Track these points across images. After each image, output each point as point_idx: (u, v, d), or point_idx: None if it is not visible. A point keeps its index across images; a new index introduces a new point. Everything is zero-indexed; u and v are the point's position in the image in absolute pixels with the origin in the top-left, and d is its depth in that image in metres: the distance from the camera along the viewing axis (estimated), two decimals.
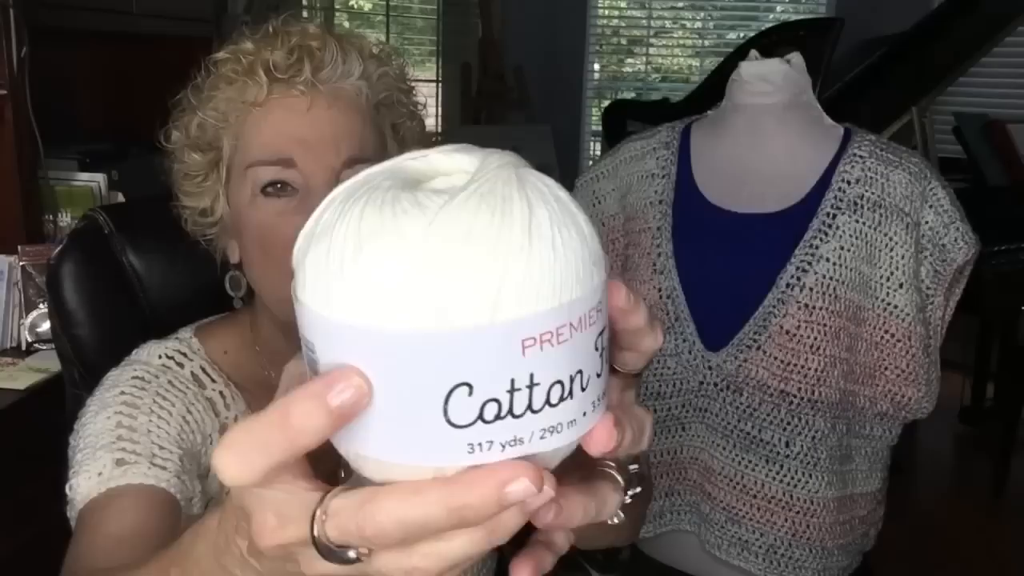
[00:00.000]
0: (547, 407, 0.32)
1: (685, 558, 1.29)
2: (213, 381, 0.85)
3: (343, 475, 0.39)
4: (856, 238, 1.16)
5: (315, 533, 0.33)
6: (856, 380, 1.20)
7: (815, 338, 1.16)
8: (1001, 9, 2.79)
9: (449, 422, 0.31)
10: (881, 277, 1.17)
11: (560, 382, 0.32)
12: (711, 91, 2.52)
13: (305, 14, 3.82)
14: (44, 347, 1.65)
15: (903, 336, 1.17)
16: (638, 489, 0.43)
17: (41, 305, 1.67)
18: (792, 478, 1.19)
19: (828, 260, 1.16)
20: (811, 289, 1.16)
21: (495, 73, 4.22)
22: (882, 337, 1.18)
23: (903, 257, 1.17)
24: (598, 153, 4.56)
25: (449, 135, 4.27)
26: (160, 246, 1.00)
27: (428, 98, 4.40)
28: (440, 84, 4.48)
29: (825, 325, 1.16)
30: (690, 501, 1.27)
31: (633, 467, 0.43)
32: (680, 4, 4.63)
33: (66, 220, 1.89)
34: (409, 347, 0.31)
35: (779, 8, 4.48)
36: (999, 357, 3.25)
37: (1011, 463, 2.96)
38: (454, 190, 0.33)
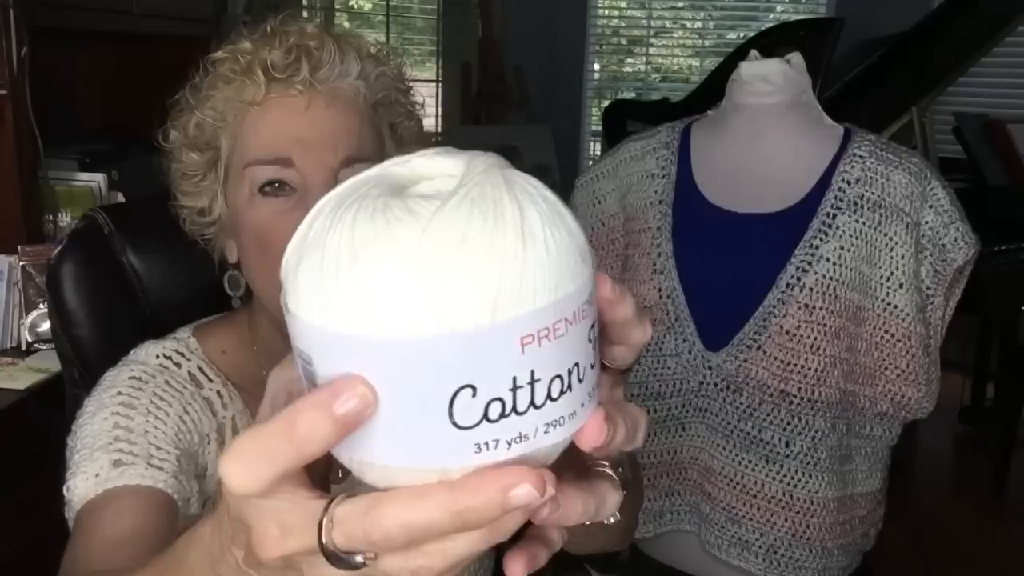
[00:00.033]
0: (548, 402, 0.33)
1: (685, 558, 1.29)
2: (210, 381, 0.85)
3: (340, 476, 0.38)
4: (856, 238, 1.16)
5: (323, 541, 0.33)
6: (856, 380, 1.20)
7: (815, 338, 1.16)
8: (1001, 9, 2.79)
9: (455, 424, 0.32)
10: (881, 277, 1.17)
11: (559, 376, 0.33)
12: (711, 91, 2.52)
13: (305, 14, 3.82)
14: (44, 347, 1.65)
15: (903, 336, 1.17)
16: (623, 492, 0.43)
17: (41, 305, 1.67)
18: (792, 478, 1.19)
19: (828, 260, 1.16)
20: (811, 289, 1.16)
21: (495, 73, 4.22)
22: (882, 337, 1.18)
23: (903, 257, 1.17)
24: (598, 153, 4.56)
25: (449, 135, 4.27)
26: (160, 246, 1.00)
27: (428, 98, 4.41)
28: (440, 84, 4.48)
29: (825, 325, 1.16)
30: (690, 501, 1.27)
31: (619, 471, 0.43)
32: (680, 4, 4.63)
33: (66, 220, 1.88)
34: (411, 354, 0.31)
35: (779, 8, 4.48)
36: (999, 357, 3.25)
37: (1011, 463, 2.96)
38: (444, 195, 0.33)
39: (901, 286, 1.17)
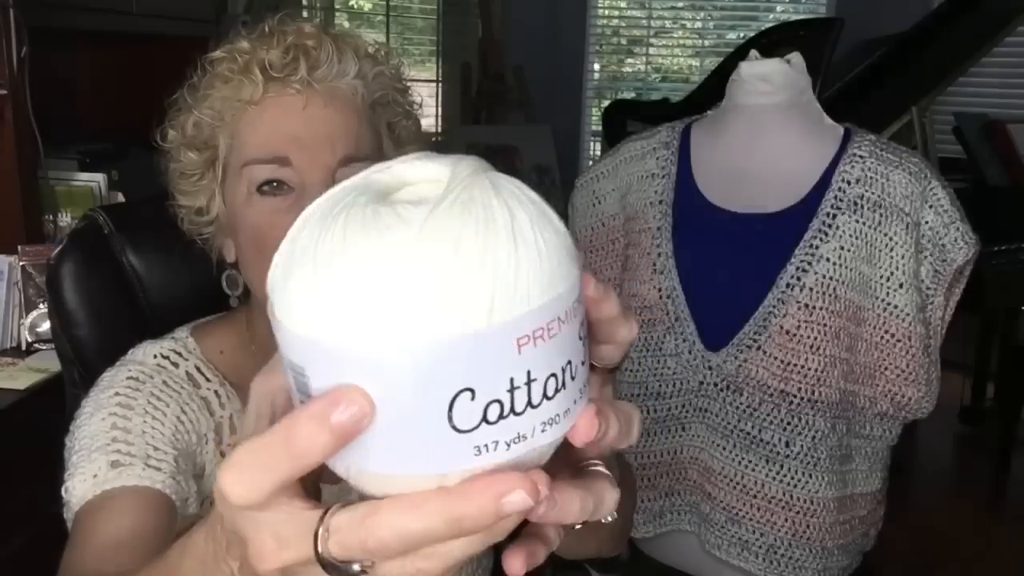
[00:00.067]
0: (545, 400, 0.33)
1: (685, 558, 1.29)
2: (208, 380, 0.85)
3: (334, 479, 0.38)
4: (856, 238, 1.16)
5: (319, 551, 0.34)
6: (856, 380, 1.20)
7: (815, 338, 1.16)
8: (1001, 9, 2.79)
9: (454, 428, 0.32)
10: (881, 277, 1.17)
11: (554, 375, 0.33)
12: (711, 91, 2.52)
13: (305, 14, 3.82)
14: (44, 347, 1.65)
15: (903, 336, 1.17)
16: None
17: (41, 305, 1.67)
18: (792, 478, 1.19)
19: (828, 260, 1.16)
20: (811, 289, 1.16)
21: (495, 73, 4.22)
22: (882, 337, 1.18)
23: (903, 257, 1.16)
24: (598, 153, 4.56)
25: (449, 135, 4.27)
26: (160, 246, 1.00)
27: (428, 98, 4.42)
28: (440, 84, 4.48)
29: (825, 325, 1.16)
30: (690, 501, 1.27)
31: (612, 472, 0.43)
32: (680, 4, 4.62)
33: (66, 220, 1.88)
34: (410, 360, 0.31)
35: (779, 8, 4.48)
36: (999, 357, 3.25)
37: (1011, 463, 2.96)
38: (432, 200, 0.33)
39: (901, 286, 1.17)
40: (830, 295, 1.16)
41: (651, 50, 4.70)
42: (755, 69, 1.23)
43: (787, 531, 1.20)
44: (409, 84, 0.87)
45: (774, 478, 1.20)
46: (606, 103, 4.33)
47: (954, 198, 1.19)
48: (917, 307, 1.17)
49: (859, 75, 2.83)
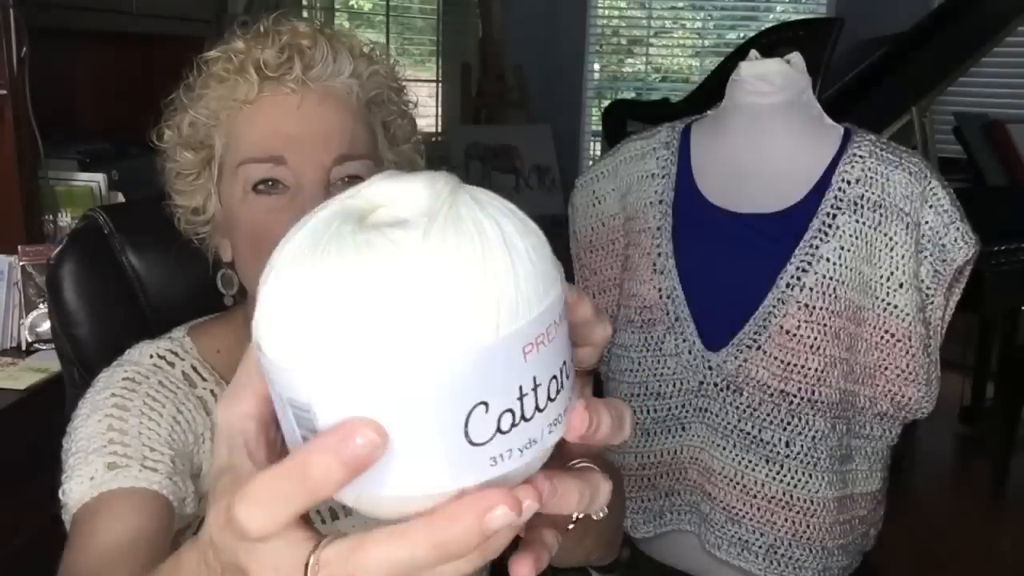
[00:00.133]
0: (549, 402, 0.34)
1: (685, 558, 1.29)
2: (204, 380, 0.85)
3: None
4: (856, 238, 1.16)
5: None
6: (856, 380, 1.20)
7: (815, 338, 1.16)
8: (1001, 9, 2.79)
9: (471, 442, 0.32)
10: (881, 277, 1.17)
11: (555, 376, 0.34)
12: (711, 91, 2.52)
13: (305, 14, 3.82)
14: (44, 347, 1.65)
15: (903, 336, 1.17)
16: None
17: (41, 305, 1.67)
18: (792, 478, 1.19)
19: (828, 260, 1.16)
20: (811, 289, 1.16)
21: (495, 73, 4.22)
22: (882, 337, 1.18)
23: (903, 257, 1.16)
24: (598, 153, 4.56)
25: (449, 135, 4.27)
26: (160, 246, 1.00)
27: (428, 98, 4.42)
28: (440, 84, 4.48)
29: (825, 325, 1.16)
30: (690, 501, 1.27)
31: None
32: (680, 4, 4.63)
33: (66, 220, 1.88)
34: (426, 383, 0.31)
35: (779, 8, 4.48)
36: (999, 357, 3.25)
37: (1011, 463, 2.96)
38: (416, 221, 0.33)
39: (901, 286, 1.17)
40: (830, 295, 1.16)
41: (651, 50, 4.70)
42: (755, 69, 1.23)
43: (787, 531, 1.20)
44: (406, 83, 0.87)
45: (774, 478, 1.20)
46: (606, 103, 4.33)
47: (954, 198, 1.19)
48: (917, 307, 1.17)
49: (859, 75, 2.83)
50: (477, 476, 0.33)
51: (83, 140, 2.07)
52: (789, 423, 1.18)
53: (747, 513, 1.21)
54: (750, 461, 1.20)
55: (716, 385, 1.21)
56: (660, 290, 1.24)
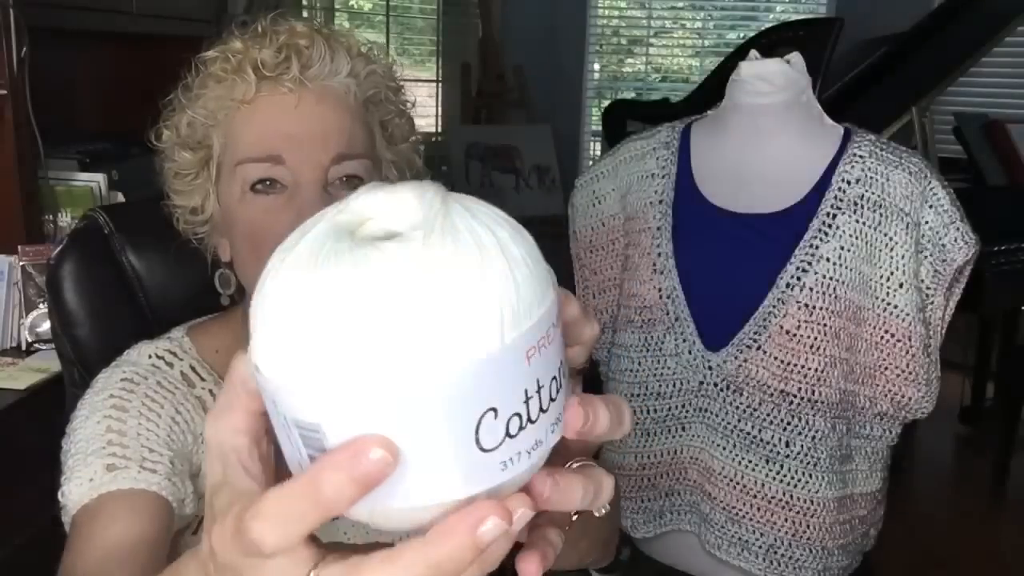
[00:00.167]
0: (551, 403, 0.34)
1: (685, 558, 1.29)
2: (203, 380, 0.85)
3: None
4: (856, 238, 1.16)
5: None
6: (856, 380, 1.20)
7: (815, 338, 1.16)
8: (1001, 9, 2.79)
9: (482, 449, 0.32)
10: (881, 277, 1.17)
11: (555, 377, 0.35)
12: (711, 91, 2.52)
13: (305, 14, 3.82)
14: (44, 347, 1.65)
15: (903, 336, 1.17)
16: None
17: (41, 305, 1.67)
18: (792, 478, 1.19)
19: (828, 260, 1.16)
20: (811, 289, 1.16)
21: (495, 73, 4.22)
22: (882, 337, 1.18)
23: (903, 257, 1.17)
24: (598, 153, 4.56)
25: (449, 135, 4.27)
26: (160, 246, 1.00)
27: (428, 98, 4.42)
28: (440, 84, 4.48)
29: (825, 325, 1.16)
30: (690, 501, 1.27)
31: None
32: (680, 4, 4.63)
33: (66, 220, 1.88)
34: (435, 395, 0.31)
35: (779, 8, 4.48)
36: (999, 357, 3.25)
37: (1011, 463, 2.96)
38: (408, 235, 0.33)
39: (901, 286, 1.17)
40: (830, 295, 1.16)
41: (651, 50, 4.70)
42: (755, 69, 1.23)
43: (787, 531, 1.21)
44: (404, 83, 0.87)
45: (774, 478, 1.20)
46: (606, 103, 4.33)
47: (954, 198, 1.19)
48: (917, 307, 1.17)
49: (859, 75, 2.84)
50: (489, 482, 0.33)
51: (83, 140, 2.07)
52: (789, 423, 1.18)
53: (747, 513, 1.21)
54: (750, 461, 1.20)
55: (716, 385, 1.21)
56: (660, 290, 1.24)
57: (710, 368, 1.21)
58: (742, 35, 4.46)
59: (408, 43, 4.52)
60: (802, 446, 1.19)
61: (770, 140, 1.24)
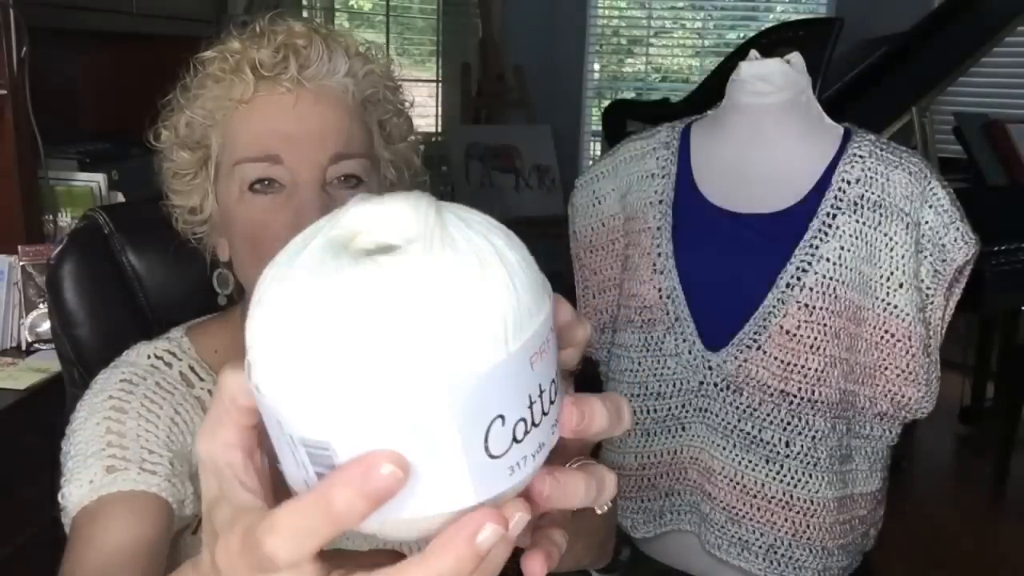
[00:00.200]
0: (551, 405, 0.35)
1: (685, 558, 1.29)
2: (202, 380, 0.85)
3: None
4: (856, 238, 1.16)
5: None
6: (856, 380, 1.20)
7: (815, 338, 1.16)
8: (1001, 9, 2.79)
9: (491, 455, 0.33)
10: (881, 277, 1.17)
11: (554, 380, 0.35)
12: (711, 91, 2.52)
13: (305, 14, 3.82)
14: (44, 347, 1.65)
15: (903, 336, 1.17)
16: None
17: (41, 305, 1.67)
18: (792, 478, 1.19)
19: (828, 260, 1.16)
20: (811, 289, 1.16)
21: (495, 73, 4.22)
22: (882, 337, 1.18)
23: (903, 257, 1.16)
24: (598, 153, 4.56)
25: (449, 135, 4.27)
26: (160, 246, 0.99)
27: (428, 98, 4.41)
28: (440, 84, 4.48)
29: (825, 325, 1.16)
30: (690, 501, 1.27)
31: None
32: (680, 4, 4.63)
33: (66, 220, 1.88)
34: (446, 406, 0.31)
35: (779, 8, 4.48)
36: (999, 357, 3.25)
37: (1011, 463, 2.96)
38: (407, 247, 0.33)
39: (901, 286, 1.17)
40: (830, 295, 1.16)
41: (651, 50, 4.70)
42: (755, 69, 1.23)
43: (787, 531, 1.20)
44: (402, 82, 0.87)
45: (774, 478, 1.20)
46: (606, 103, 4.33)
47: (954, 198, 1.19)
48: (917, 307, 1.17)
49: (859, 75, 2.83)
50: (498, 487, 0.33)
51: (83, 140, 2.08)
52: (789, 423, 1.19)
53: (747, 513, 1.21)
54: (750, 461, 1.20)
55: (716, 385, 1.21)
56: (660, 290, 1.24)
57: (710, 368, 1.21)
58: (742, 35, 4.46)
59: (408, 43, 4.53)
60: (802, 446, 1.19)
61: (770, 140, 1.24)
